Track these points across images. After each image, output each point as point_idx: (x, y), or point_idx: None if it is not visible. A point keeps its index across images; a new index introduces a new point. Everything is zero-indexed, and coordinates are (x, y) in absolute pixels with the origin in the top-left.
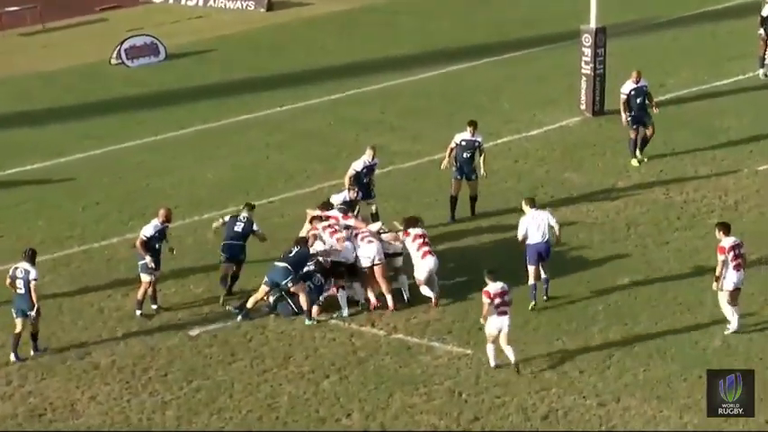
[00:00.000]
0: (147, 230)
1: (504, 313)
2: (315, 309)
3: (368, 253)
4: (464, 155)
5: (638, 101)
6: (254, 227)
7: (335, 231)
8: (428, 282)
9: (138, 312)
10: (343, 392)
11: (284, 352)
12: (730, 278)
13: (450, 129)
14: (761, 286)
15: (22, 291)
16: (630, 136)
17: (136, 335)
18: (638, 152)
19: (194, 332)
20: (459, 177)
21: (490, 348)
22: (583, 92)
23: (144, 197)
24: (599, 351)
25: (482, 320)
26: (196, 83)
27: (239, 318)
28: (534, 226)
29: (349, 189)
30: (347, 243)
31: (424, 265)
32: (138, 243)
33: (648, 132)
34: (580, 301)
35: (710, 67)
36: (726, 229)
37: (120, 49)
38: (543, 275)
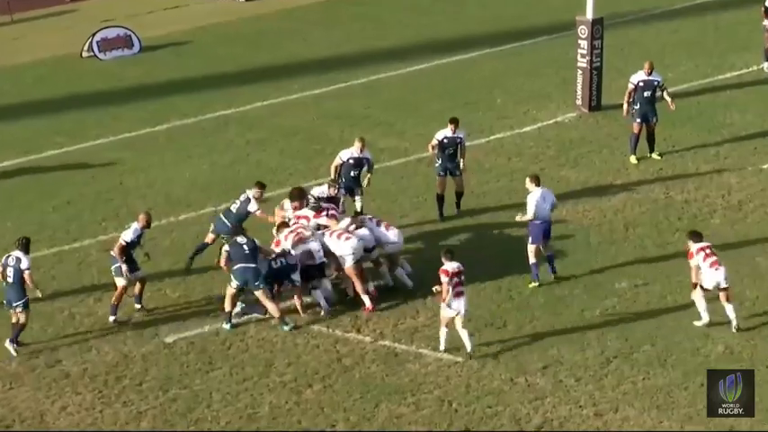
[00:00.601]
0: (128, 235)
1: (461, 294)
2: (274, 307)
3: (347, 250)
4: (446, 152)
5: (646, 94)
6: (251, 207)
7: (298, 236)
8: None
9: (112, 318)
10: (327, 402)
11: (265, 359)
12: (710, 277)
13: (440, 125)
14: (767, 290)
15: (11, 279)
16: (633, 130)
17: (109, 342)
18: (651, 151)
19: (170, 339)
20: (443, 174)
21: (443, 332)
22: (579, 86)
23: (118, 197)
24: (596, 358)
25: (442, 302)
26: (172, 77)
27: (227, 327)
28: (542, 204)
29: (329, 185)
30: (312, 244)
31: (391, 237)
32: (116, 248)
33: (651, 128)
34: (576, 306)
35: (713, 61)
36: (695, 237)
37: (91, 42)
38: (547, 253)
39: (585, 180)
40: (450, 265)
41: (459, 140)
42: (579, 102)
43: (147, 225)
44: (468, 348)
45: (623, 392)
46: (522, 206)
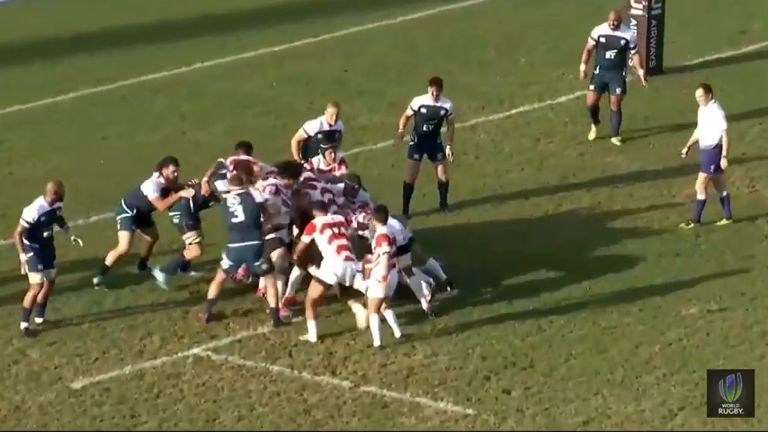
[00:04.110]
0: (30, 214)
1: (395, 266)
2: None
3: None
4: (425, 127)
5: (608, 55)
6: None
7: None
8: None
9: (24, 326)
10: None
11: (206, 411)
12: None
13: (444, 93)
14: None
15: None
16: (588, 100)
17: None
18: (613, 134)
19: (78, 384)
20: (417, 157)
21: (375, 321)
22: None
23: (6, 191)
24: (655, 410)
25: (381, 280)
26: (81, 28)
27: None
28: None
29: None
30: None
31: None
32: (16, 234)
33: (613, 102)
34: (628, 340)
35: None
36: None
37: None
38: (725, 192)
39: (641, 169)
40: (390, 230)
41: (444, 112)
42: (632, 62)
43: (58, 197)
44: (398, 334)
45: None
46: (551, 198)
